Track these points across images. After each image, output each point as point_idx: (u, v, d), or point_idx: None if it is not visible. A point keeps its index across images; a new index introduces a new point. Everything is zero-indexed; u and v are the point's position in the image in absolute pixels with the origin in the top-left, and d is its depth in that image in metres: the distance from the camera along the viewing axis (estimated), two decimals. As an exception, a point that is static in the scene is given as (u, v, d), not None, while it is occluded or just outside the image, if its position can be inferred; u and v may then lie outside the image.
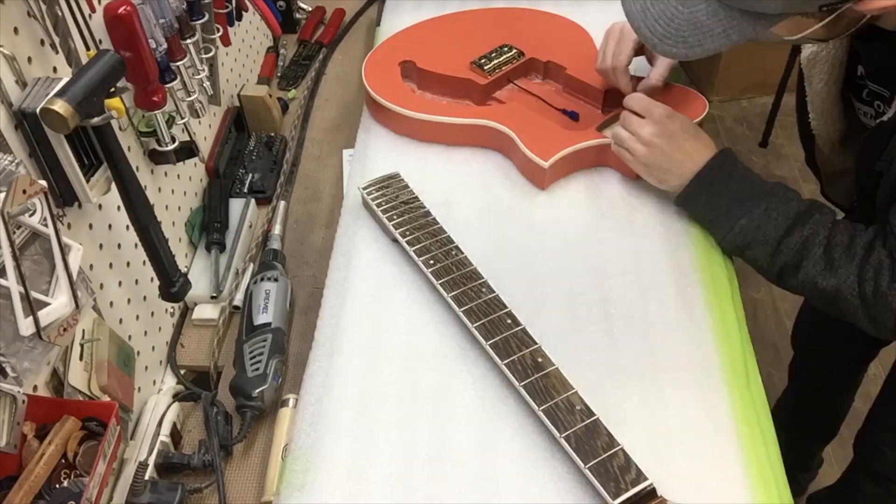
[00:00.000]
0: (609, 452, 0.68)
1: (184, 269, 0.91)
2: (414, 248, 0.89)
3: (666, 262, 0.90)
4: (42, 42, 0.71)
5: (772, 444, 0.76)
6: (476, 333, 0.79)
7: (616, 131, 0.95)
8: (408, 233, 0.91)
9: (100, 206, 0.81)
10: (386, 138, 1.10)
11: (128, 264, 0.87)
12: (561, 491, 0.72)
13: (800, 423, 1.45)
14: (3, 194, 0.58)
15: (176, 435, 0.87)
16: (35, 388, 0.69)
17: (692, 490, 0.72)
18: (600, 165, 1.02)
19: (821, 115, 0.97)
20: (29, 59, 0.69)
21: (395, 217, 0.93)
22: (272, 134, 1.26)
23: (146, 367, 0.91)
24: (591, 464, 0.68)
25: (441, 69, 1.13)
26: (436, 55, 1.15)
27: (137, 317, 0.89)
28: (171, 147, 0.89)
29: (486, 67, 1.12)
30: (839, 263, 0.80)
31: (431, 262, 0.87)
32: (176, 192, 1.02)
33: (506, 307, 0.81)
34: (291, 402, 0.86)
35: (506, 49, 1.15)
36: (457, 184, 1.03)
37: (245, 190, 1.17)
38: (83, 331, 0.77)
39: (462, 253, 0.88)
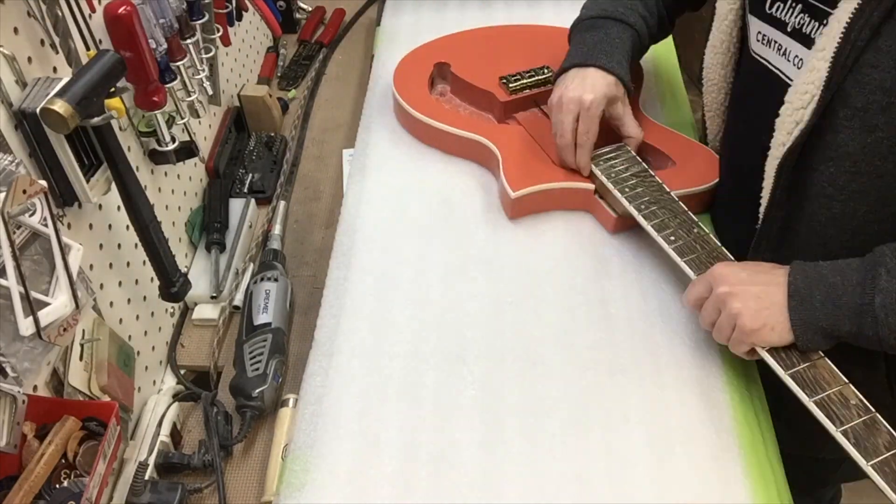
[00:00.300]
0: (893, 451, 0.64)
1: (184, 269, 0.91)
2: (652, 223, 0.85)
3: (666, 261, 0.90)
4: (42, 42, 0.71)
5: (771, 444, 0.76)
6: None
7: (708, 321, 0.78)
8: (643, 206, 0.87)
9: (100, 206, 0.81)
10: (387, 138, 1.10)
11: (128, 264, 0.87)
12: (561, 491, 0.72)
13: None
14: (3, 194, 0.58)
15: (176, 435, 0.87)
16: (35, 388, 0.69)
17: (692, 490, 0.72)
18: (579, 209, 0.97)
19: (718, 28, 0.86)
20: (29, 59, 0.69)
21: (626, 190, 0.89)
22: (272, 134, 1.26)
23: (146, 367, 0.91)
24: (874, 461, 0.64)
25: (469, 77, 1.11)
26: (473, 63, 1.13)
27: (137, 317, 0.89)
28: (171, 147, 0.89)
29: (510, 85, 1.08)
30: None
31: (672, 238, 0.83)
32: (176, 192, 1.02)
33: None
34: (291, 402, 0.86)
35: (544, 71, 1.10)
36: (456, 184, 1.03)
37: (245, 190, 1.17)
38: (83, 331, 0.77)
39: (703, 229, 0.84)
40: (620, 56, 0.94)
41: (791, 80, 0.75)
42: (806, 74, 0.71)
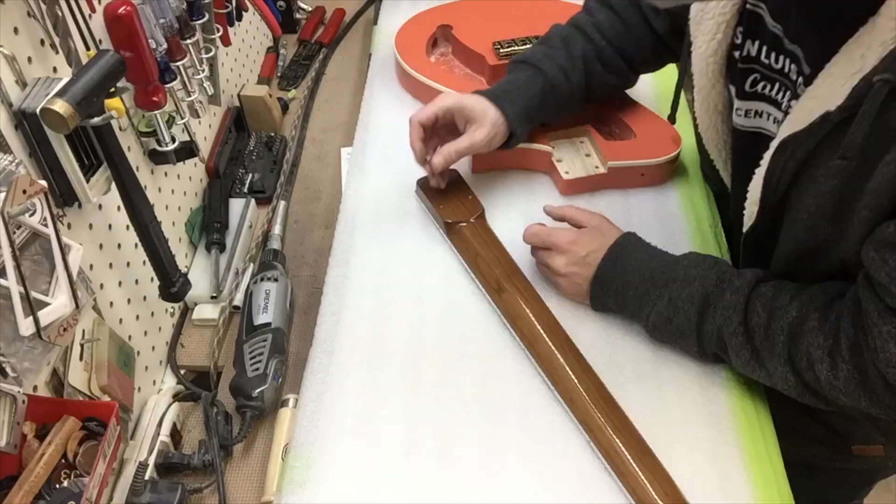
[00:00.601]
0: None
1: (184, 269, 0.91)
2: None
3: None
4: (42, 42, 0.71)
5: (771, 441, 0.76)
6: None
7: (539, 263, 0.90)
8: None
9: (100, 206, 0.81)
10: (385, 137, 1.10)
11: (128, 264, 0.87)
12: (562, 487, 0.72)
13: None
14: (3, 194, 0.58)
15: (176, 435, 0.87)
16: (35, 388, 0.69)
17: (692, 487, 0.72)
18: (538, 170, 1.04)
19: (704, 100, 0.84)
20: (29, 59, 0.69)
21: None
22: (272, 134, 1.26)
23: (146, 367, 0.91)
24: None
25: (467, 40, 1.17)
26: (474, 27, 1.19)
27: (137, 317, 0.89)
28: (171, 147, 0.89)
29: (501, 51, 1.14)
30: (763, 354, 0.72)
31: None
32: (176, 192, 1.02)
33: None
34: (291, 402, 0.86)
35: (534, 40, 1.13)
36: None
37: (245, 190, 1.17)
38: (83, 331, 0.77)
39: None
40: (516, 96, 0.94)
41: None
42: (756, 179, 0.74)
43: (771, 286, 0.74)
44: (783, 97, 0.74)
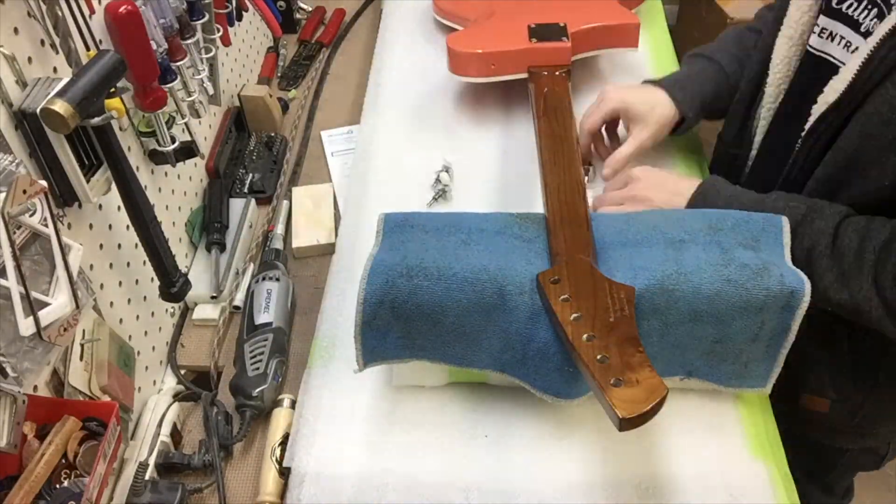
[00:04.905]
0: None
1: (184, 269, 0.91)
2: None
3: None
4: (42, 42, 0.71)
5: (770, 422, 0.77)
6: None
7: (608, 196, 0.94)
8: None
9: (100, 206, 0.81)
10: (389, 129, 1.11)
11: (128, 264, 0.87)
12: (556, 462, 0.73)
13: None
14: (4, 194, 0.58)
15: (176, 435, 0.87)
16: (35, 388, 0.69)
17: (693, 459, 0.73)
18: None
19: (783, 65, 0.87)
20: (29, 59, 0.69)
21: None
22: (272, 134, 1.26)
23: (146, 367, 0.91)
24: None
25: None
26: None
27: (137, 317, 0.89)
28: (170, 147, 0.89)
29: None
30: (850, 274, 0.73)
31: None
32: (176, 192, 1.02)
33: None
34: (287, 403, 0.86)
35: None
36: (457, 181, 1.03)
37: (245, 190, 1.17)
38: (83, 331, 0.77)
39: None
40: (688, 83, 0.99)
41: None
42: (844, 73, 0.74)
43: (864, 217, 0.76)
44: (867, 17, 0.75)
